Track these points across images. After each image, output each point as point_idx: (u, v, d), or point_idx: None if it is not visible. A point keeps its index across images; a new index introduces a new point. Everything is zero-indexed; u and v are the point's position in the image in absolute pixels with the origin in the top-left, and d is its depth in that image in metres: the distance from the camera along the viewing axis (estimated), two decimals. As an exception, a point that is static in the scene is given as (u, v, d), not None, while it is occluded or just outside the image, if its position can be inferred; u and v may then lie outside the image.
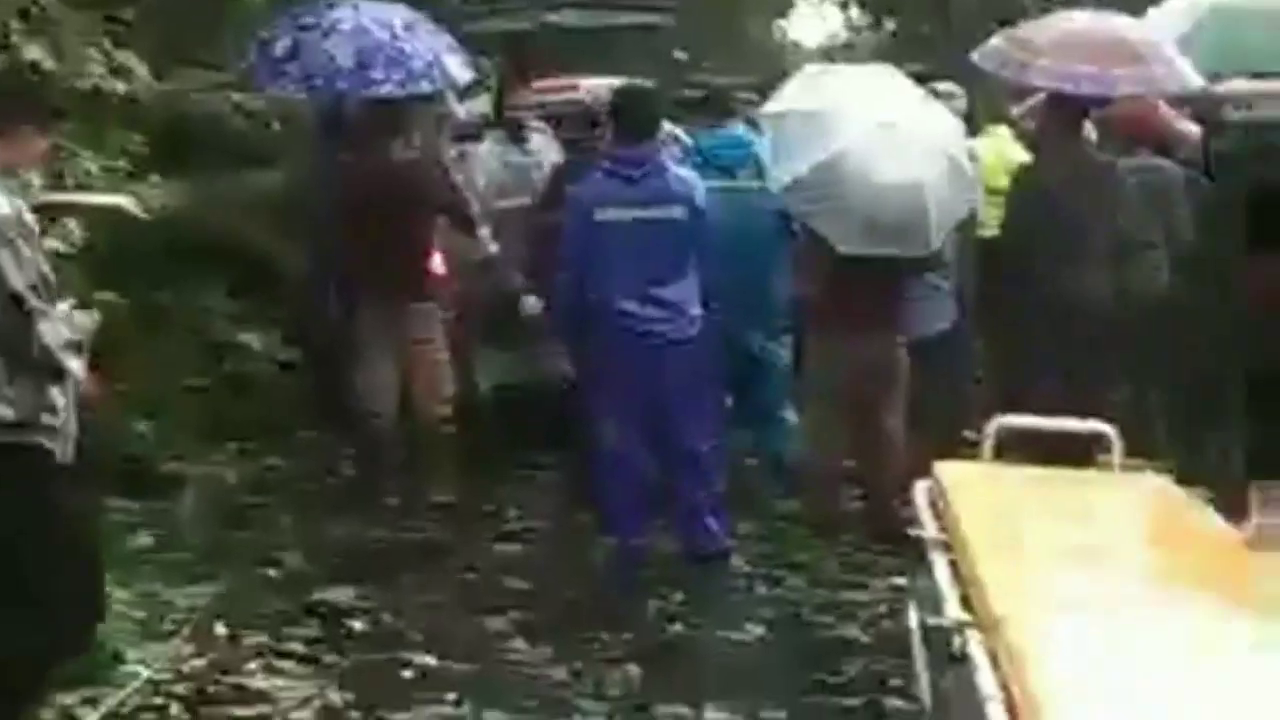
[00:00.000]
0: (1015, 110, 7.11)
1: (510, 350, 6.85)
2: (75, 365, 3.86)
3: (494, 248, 6.62)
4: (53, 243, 5.48)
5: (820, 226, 5.77)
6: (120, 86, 6.22)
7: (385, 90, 6.28)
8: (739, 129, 6.70)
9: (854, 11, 19.73)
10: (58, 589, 3.87)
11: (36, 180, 5.52)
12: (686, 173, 5.84)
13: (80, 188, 5.81)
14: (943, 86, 6.87)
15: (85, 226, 5.69)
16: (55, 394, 3.85)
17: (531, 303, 6.49)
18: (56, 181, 5.72)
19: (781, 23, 21.41)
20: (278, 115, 7.57)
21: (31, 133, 3.98)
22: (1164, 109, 6.44)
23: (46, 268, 3.82)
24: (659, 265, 5.62)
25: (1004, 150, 7.01)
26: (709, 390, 5.83)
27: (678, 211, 5.63)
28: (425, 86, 6.41)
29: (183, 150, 6.97)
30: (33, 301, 3.71)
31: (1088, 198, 5.90)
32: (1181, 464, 4.35)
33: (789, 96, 6.09)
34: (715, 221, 5.74)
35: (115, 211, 5.78)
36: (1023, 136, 6.98)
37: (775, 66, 11.71)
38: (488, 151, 7.14)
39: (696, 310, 5.68)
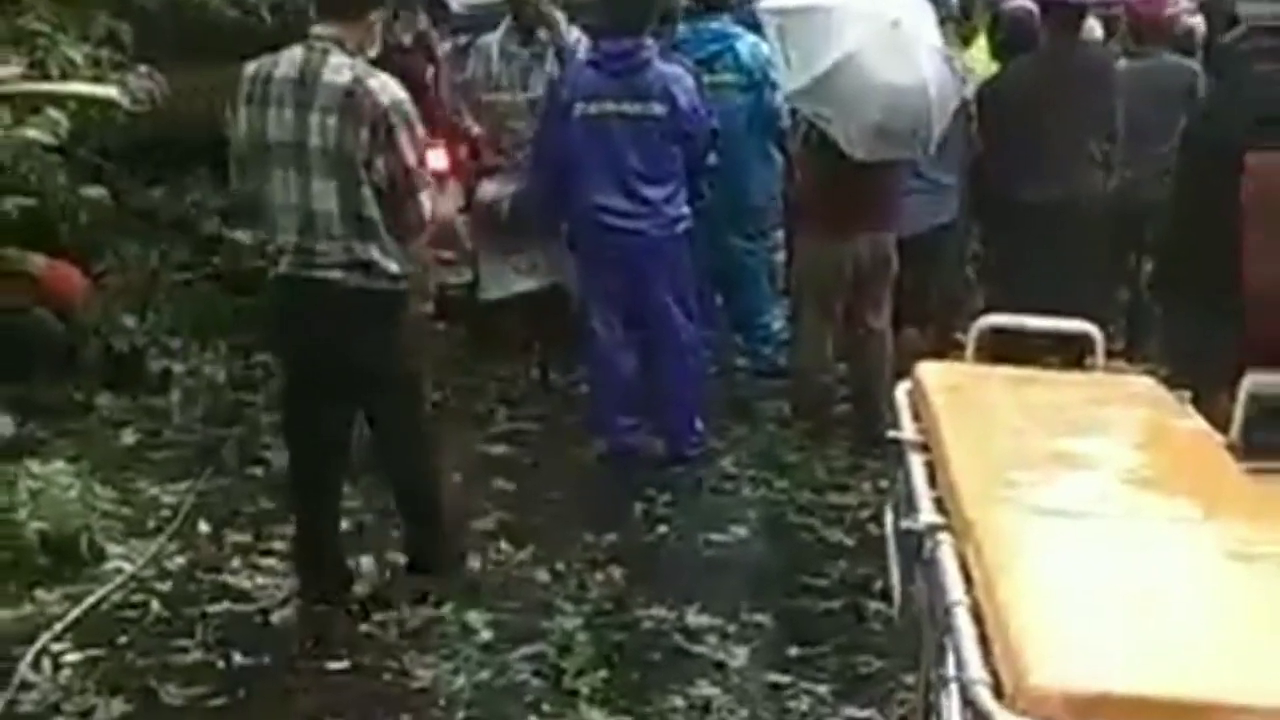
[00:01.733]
0: None
1: (514, 256, 6.57)
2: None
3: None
4: (36, 134, 5.41)
5: (834, 131, 5.64)
6: (104, -28, 6.07)
7: None
8: (717, 22, 6.53)
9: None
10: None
11: (17, 68, 5.43)
12: (673, 69, 5.70)
13: (65, 77, 5.69)
14: None
15: (70, 117, 5.58)
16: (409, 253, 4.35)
17: (491, 190, 6.35)
18: (39, 70, 5.61)
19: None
20: (270, 4, 7.39)
21: (373, 14, 4.29)
22: (1175, 4, 6.32)
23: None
24: (639, 162, 5.52)
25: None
26: (692, 291, 5.76)
27: (658, 108, 5.51)
28: None
29: (172, 40, 6.81)
30: (418, 174, 4.20)
31: (1079, 97, 5.78)
32: (1173, 366, 4.27)
33: (802, 59, 5.91)
34: None
35: (102, 102, 5.70)
36: None
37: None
38: (497, 43, 6.68)
39: (680, 210, 5.60)
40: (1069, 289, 5.19)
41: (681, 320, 5.67)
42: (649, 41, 5.64)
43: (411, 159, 4.13)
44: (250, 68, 4.24)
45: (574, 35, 6.42)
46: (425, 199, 4.21)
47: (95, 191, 6.04)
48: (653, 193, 5.55)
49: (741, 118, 6.33)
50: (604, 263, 5.64)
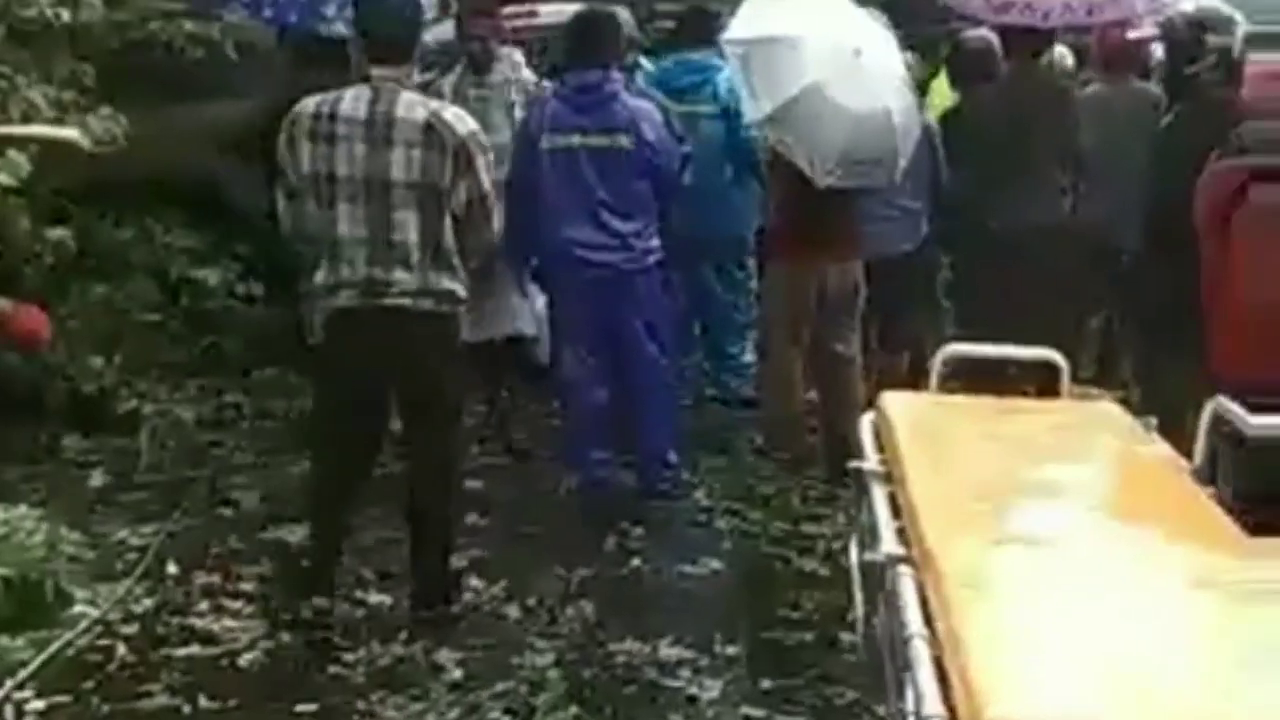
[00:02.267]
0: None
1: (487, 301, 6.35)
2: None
3: None
4: (-3, 177, 5.38)
5: (798, 158, 5.65)
6: (65, 15, 6.04)
7: (337, 29, 6.11)
8: (700, 54, 6.56)
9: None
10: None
11: (-23, 114, 5.40)
12: (640, 103, 5.70)
13: (26, 119, 5.66)
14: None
15: (32, 160, 5.54)
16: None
17: None
18: (0, 114, 5.58)
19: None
20: (235, 45, 7.37)
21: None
22: (1138, 33, 6.33)
23: None
24: (608, 194, 5.51)
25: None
26: (666, 322, 5.74)
27: (624, 140, 5.50)
28: None
29: (135, 81, 6.78)
30: (492, 199, 4.42)
31: (1041, 124, 5.80)
32: (1141, 391, 4.27)
33: (748, 23, 5.93)
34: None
35: (64, 144, 5.66)
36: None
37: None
38: (450, 84, 6.80)
39: (650, 243, 5.58)
40: (1038, 316, 5.18)
41: (654, 353, 5.65)
42: (616, 74, 5.63)
43: (487, 184, 4.40)
44: (309, 106, 4.41)
45: (526, 73, 6.37)
46: (496, 222, 4.50)
47: (58, 233, 6.00)
48: (623, 226, 5.53)
49: (717, 148, 6.33)
50: (575, 296, 5.62)
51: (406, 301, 4.36)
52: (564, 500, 5.76)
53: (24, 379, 6.01)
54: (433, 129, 4.31)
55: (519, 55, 6.52)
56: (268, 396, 6.75)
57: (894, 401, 3.23)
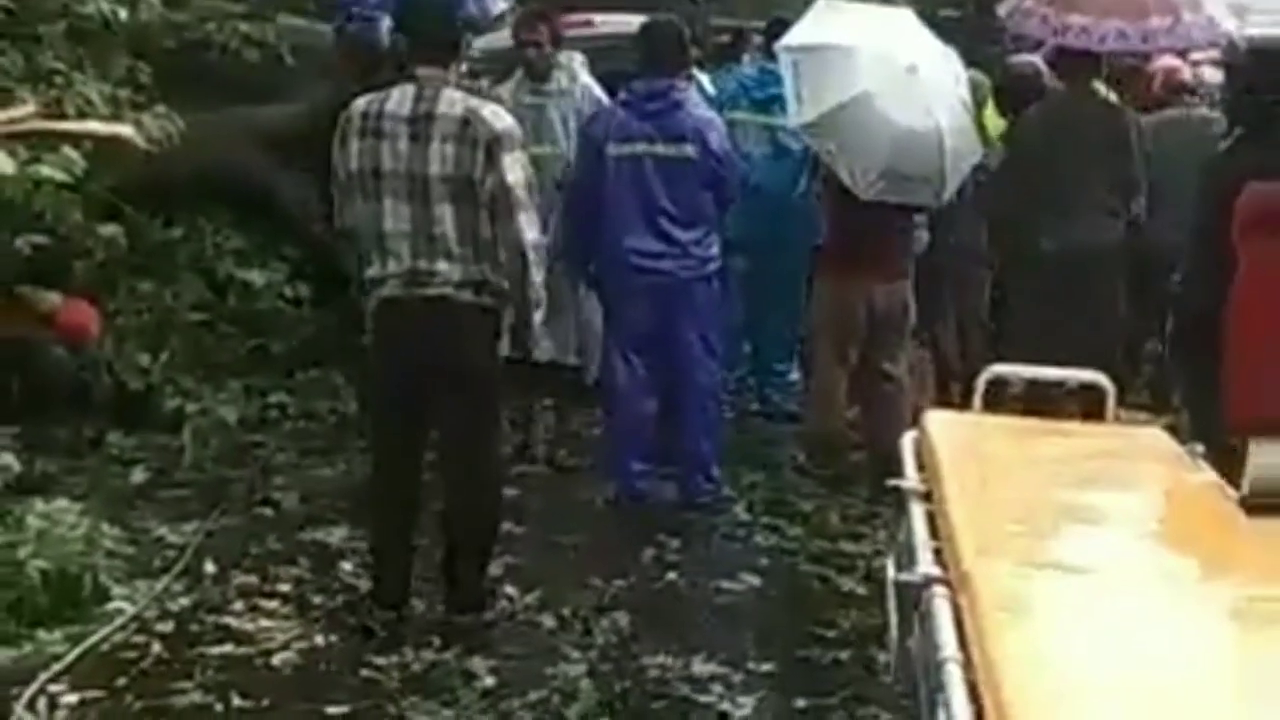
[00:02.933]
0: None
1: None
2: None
3: None
4: (51, 171, 5.41)
5: (841, 170, 5.63)
6: (124, 13, 6.08)
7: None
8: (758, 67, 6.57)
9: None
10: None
11: (32, 107, 5.43)
12: (705, 113, 5.70)
13: (82, 116, 5.69)
14: None
15: (86, 156, 5.58)
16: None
17: None
18: (56, 109, 5.62)
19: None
20: (290, 48, 7.42)
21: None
22: (1191, 58, 6.28)
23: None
24: (670, 203, 5.51)
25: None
26: (717, 333, 5.72)
27: (690, 150, 5.51)
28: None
29: (191, 81, 6.83)
30: (518, 195, 4.39)
31: (1089, 146, 5.74)
32: (1190, 417, 4.20)
33: (808, 30, 5.93)
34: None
35: (117, 141, 5.69)
36: None
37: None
38: (508, 91, 6.41)
39: (710, 252, 5.57)
40: (1081, 338, 5.12)
41: (705, 363, 5.64)
42: (682, 84, 5.64)
43: (511, 178, 4.38)
44: (360, 104, 4.52)
45: (586, 78, 6.33)
46: (524, 219, 4.41)
47: (110, 230, 6.03)
48: (683, 234, 5.55)
49: (792, 162, 6.31)
50: (632, 303, 5.61)
51: (449, 291, 4.43)
52: (601, 511, 5.74)
53: (71, 373, 6.04)
54: (468, 124, 4.39)
55: (580, 61, 6.45)
56: (311, 398, 6.77)
57: (937, 421, 3.19)
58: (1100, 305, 5.61)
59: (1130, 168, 5.83)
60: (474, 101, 4.52)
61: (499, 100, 6.39)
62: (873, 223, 5.67)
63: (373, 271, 4.52)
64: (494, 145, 4.37)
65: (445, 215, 4.40)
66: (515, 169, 4.40)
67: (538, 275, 4.47)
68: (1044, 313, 5.54)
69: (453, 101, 4.44)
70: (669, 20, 5.91)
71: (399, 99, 4.46)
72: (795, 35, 5.94)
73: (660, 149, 5.52)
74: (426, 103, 4.42)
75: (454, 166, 4.39)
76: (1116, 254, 5.75)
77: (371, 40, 6.46)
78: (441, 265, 4.42)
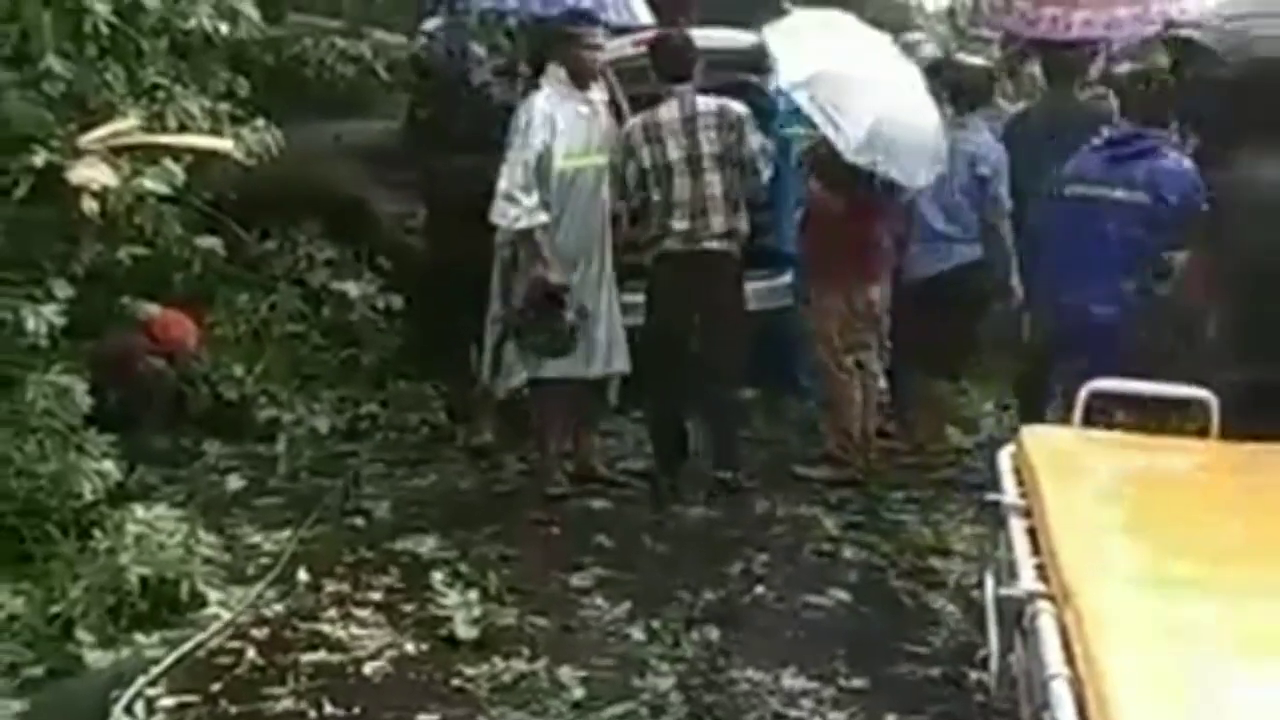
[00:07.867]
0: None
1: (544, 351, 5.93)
2: None
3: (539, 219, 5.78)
4: (152, 184, 5.50)
5: (829, 131, 5.77)
6: (224, 28, 6.17)
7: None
8: None
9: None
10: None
11: (135, 121, 5.53)
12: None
13: (182, 129, 5.79)
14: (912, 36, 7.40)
15: (186, 169, 5.67)
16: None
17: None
18: (158, 122, 5.72)
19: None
20: (384, 63, 7.51)
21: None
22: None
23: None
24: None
25: None
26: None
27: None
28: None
29: (290, 95, 6.93)
30: (760, 158, 5.98)
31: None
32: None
33: (793, 61, 5.98)
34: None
35: (217, 154, 5.78)
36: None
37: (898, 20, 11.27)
38: (545, 98, 5.94)
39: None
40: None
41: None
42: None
43: (754, 147, 5.91)
44: (638, 121, 5.96)
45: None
46: (764, 178, 6.00)
47: (209, 242, 6.11)
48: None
49: None
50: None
51: (715, 244, 5.88)
52: (693, 524, 5.73)
53: (169, 384, 6.13)
54: (723, 114, 5.87)
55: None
56: (403, 409, 6.82)
57: (1035, 435, 3.16)
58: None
59: None
60: (720, 100, 5.96)
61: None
62: (853, 225, 5.99)
63: (657, 233, 5.93)
64: (740, 125, 5.91)
65: (715, 183, 5.86)
66: (754, 140, 5.94)
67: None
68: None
69: (706, 103, 5.89)
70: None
71: (668, 109, 5.88)
72: (789, 70, 5.99)
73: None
74: (688, 107, 5.87)
75: (719, 143, 5.88)
76: None
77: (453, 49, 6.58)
78: (714, 220, 5.91)
